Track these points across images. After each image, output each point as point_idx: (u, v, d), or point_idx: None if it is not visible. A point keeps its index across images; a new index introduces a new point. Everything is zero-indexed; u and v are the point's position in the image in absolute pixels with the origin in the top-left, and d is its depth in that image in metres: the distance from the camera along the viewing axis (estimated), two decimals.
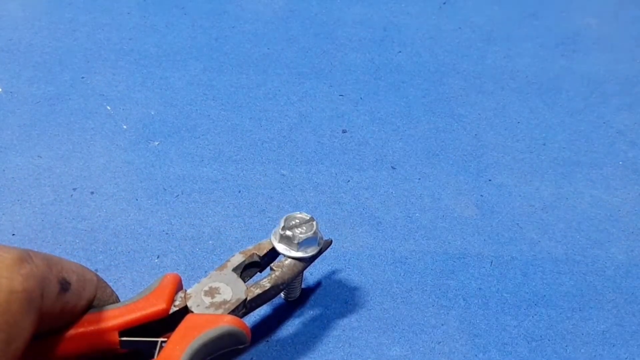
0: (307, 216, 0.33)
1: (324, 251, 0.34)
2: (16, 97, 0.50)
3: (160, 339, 0.29)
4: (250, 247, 0.33)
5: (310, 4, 0.62)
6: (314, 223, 0.33)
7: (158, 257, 0.39)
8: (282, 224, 0.33)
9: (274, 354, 0.35)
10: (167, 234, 0.40)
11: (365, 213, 0.43)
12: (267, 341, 0.35)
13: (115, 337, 0.29)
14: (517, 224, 0.43)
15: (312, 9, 0.62)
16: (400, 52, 0.58)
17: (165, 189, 0.43)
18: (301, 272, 0.33)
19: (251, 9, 0.61)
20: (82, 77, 0.52)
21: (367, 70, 0.55)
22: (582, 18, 0.63)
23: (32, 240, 0.39)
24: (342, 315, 0.37)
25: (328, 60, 0.56)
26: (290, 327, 0.36)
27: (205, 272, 0.38)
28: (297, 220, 0.33)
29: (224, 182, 0.44)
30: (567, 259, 0.41)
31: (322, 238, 0.33)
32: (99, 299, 0.30)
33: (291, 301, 0.37)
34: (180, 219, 0.41)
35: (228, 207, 0.42)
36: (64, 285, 0.26)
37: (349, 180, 0.45)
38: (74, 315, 0.28)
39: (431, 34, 0.60)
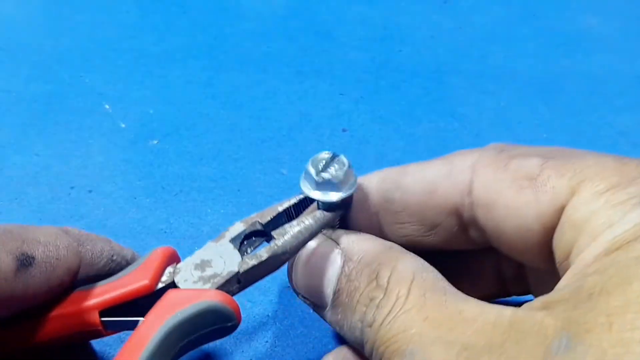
0: (329, 153, 0.28)
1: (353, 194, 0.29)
2: (14, 96, 0.49)
3: (142, 319, 0.26)
4: (253, 215, 0.30)
5: (311, 3, 0.62)
6: (342, 157, 0.28)
7: None
8: (311, 170, 0.28)
9: (274, 354, 0.34)
10: (165, 232, 0.40)
11: None
12: (267, 341, 0.35)
13: (96, 317, 0.26)
14: None
15: (312, 8, 0.62)
16: (400, 51, 0.57)
17: (164, 188, 0.43)
18: (326, 225, 0.28)
19: (251, 7, 0.61)
20: (81, 76, 0.52)
21: (368, 69, 0.55)
22: (583, 18, 0.63)
23: None
24: None
25: (328, 59, 0.56)
26: (291, 327, 0.36)
27: None
28: (324, 161, 0.28)
29: (223, 180, 0.44)
30: None
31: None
32: (89, 265, 0.27)
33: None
34: (179, 217, 0.41)
35: (227, 205, 0.42)
36: (24, 261, 0.23)
37: None
38: (52, 293, 0.25)
39: (432, 33, 0.60)
